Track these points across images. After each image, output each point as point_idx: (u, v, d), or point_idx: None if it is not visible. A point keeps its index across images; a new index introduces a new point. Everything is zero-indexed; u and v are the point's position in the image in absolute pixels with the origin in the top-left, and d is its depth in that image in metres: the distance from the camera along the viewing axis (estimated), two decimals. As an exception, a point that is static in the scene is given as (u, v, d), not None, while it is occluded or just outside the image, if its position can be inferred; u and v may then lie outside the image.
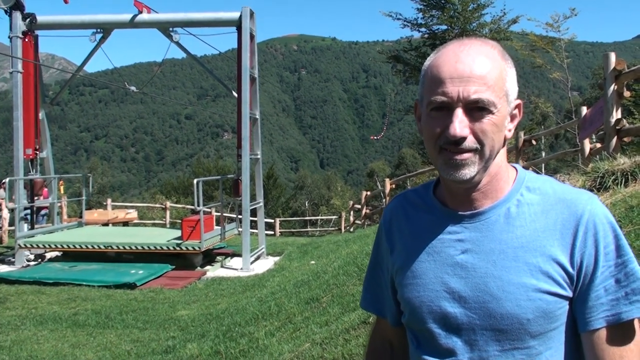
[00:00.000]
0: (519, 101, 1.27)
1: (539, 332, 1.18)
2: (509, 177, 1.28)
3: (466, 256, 1.24)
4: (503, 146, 1.25)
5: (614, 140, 6.58)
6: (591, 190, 5.13)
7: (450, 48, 1.22)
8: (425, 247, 1.30)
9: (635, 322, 1.19)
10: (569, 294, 1.19)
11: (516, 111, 1.27)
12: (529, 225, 1.22)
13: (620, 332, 1.18)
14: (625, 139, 6.76)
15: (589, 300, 1.18)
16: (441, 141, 1.19)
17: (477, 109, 1.17)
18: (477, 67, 1.17)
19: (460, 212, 1.27)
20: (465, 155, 1.18)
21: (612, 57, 6.76)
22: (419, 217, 1.35)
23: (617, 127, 6.57)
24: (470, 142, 1.17)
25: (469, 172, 1.19)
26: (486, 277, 1.21)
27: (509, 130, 1.25)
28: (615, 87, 6.70)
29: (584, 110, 8.57)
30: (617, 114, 6.66)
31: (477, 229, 1.25)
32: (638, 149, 10.51)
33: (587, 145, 8.41)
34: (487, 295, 1.20)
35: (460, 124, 1.16)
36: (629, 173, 5.06)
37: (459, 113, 1.16)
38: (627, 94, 6.84)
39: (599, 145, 7.93)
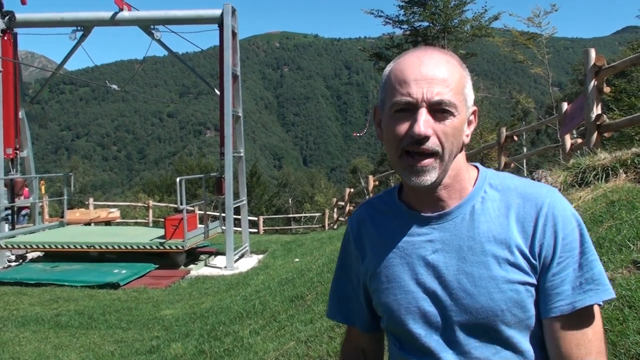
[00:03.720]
0: (475, 108, 1.32)
1: (514, 321, 1.22)
2: (470, 177, 1.33)
3: (437, 256, 1.28)
4: (460, 151, 1.29)
5: (595, 135, 6.65)
6: (572, 186, 5.18)
7: (413, 54, 1.26)
8: (396, 251, 1.33)
9: (596, 309, 1.23)
10: (536, 282, 1.24)
11: (472, 117, 1.32)
12: (494, 220, 1.27)
13: (576, 320, 1.21)
14: (606, 135, 6.83)
15: (547, 289, 1.22)
16: (404, 143, 1.22)
17: (439, 111, 1.20)
18: (440, 71, 1.22)
19: (427, 214, 1.31)
20: (427, 162, 1.21)
21: (592, 53, 6.82)
22: (387, 222, 1.39)
23: (598, 123, 6.63)
24: (433, 143, 1.20)
25: (429, 178, 1.22)
26: (458, 274, 1.25)
27: (467, 136, 1.29)
28: (595, 83, 6.76)
29: (565, 106, 8.63)
30: (597, 110, 6.72)
31: (445, 228, 1.29)
32: (618, 144, 10.62)
33: (568, 141, 8.47)
34: (461, 292, 1.24)
35: (425, 123, 1.19)
36: (609, 168, 5.11)
37: (424, 112, 1.19)
38: (607, 89, 6.90)
39: (579, 140, 8.00)
